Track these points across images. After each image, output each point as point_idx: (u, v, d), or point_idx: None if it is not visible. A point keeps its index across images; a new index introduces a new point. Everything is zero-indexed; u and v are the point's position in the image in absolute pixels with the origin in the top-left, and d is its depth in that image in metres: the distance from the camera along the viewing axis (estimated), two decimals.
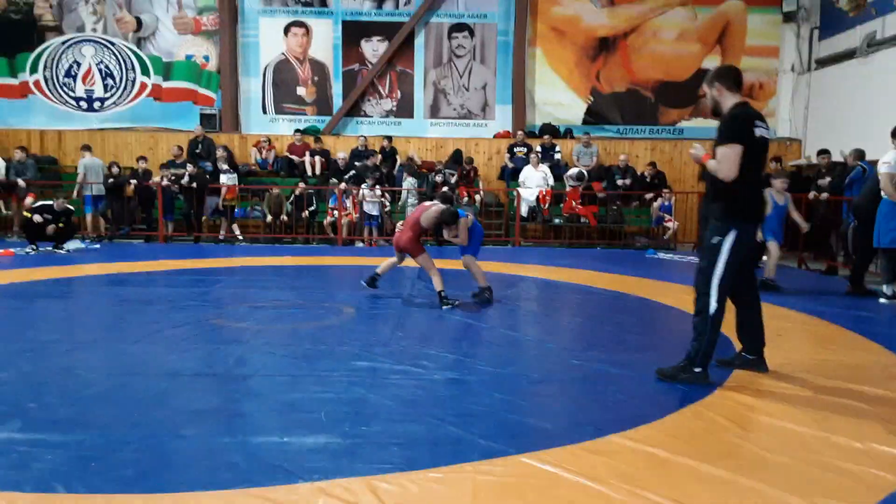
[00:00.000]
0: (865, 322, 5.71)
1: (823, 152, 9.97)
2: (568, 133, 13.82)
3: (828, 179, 9.74)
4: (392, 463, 2.72)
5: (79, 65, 13.94)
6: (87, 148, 12.25)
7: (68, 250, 9.84)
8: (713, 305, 3.79)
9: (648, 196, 12.34)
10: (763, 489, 2.55)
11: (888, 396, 3.66)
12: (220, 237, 12.03)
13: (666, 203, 12.08)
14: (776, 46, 13.65)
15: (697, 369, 3.86)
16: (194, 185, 11.61)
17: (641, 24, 13.72)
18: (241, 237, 12.03)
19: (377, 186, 11.96)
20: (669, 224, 12.06)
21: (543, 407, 3.53)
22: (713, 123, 14.11)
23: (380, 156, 12.89)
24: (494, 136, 13.88)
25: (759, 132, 3.71)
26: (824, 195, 9.05)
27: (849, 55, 11.64)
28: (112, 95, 14.02)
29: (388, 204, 12.16)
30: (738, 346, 4.30)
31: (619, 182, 12.55)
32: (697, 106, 13.84)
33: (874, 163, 8.92)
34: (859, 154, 8.79)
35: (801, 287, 7.90)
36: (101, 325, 5.30)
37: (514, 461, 2.76)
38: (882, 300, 6.67)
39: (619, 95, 13.93)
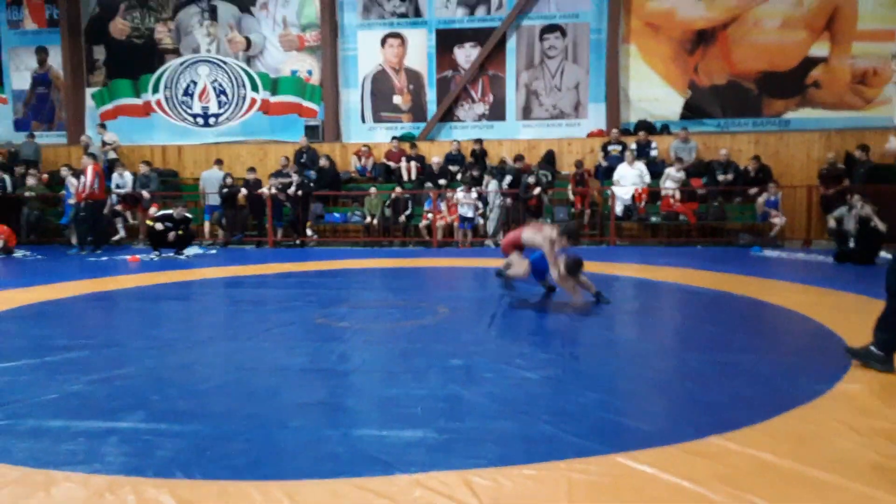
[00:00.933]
0: None
1: None
2: (665, 129, 13.42)
3: None
4: (486, 458, 2.75)
5: (195, 84, 14.94)
6: (218, 162, 13.16)
7: (188, 256, 10.56)
8: None
9: (753, 191, 11.77)
10: (879, 496, 2.40)
11: None
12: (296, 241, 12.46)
13: (772, 198, 11.49)
14: (891, 30, 12.65)
15: (881, 353, 3.86)
16: (300, 192, 12.15)
17: (742, 13, 13.12)
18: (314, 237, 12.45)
19: (472, 189, 12.08)
20: (776, 220, 11.46)
21: (640, 407, 3.47)
22: (823, 114, 13.45)
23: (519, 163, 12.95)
24: (588, 135, 13.68)
25: None
26: None
27: None
28: (225, 111, 14.92)
29: (481, 206, 12.24)
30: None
31: (720, 177, 12.06)
32: (805, 96, 13.07)
33: None
34: None
35: None
36: (217, 325, 5.67)
37: (609, 460, 2.72)
38: None
39: (718, 88, 13.37)
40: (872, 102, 12.89)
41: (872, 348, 3.92)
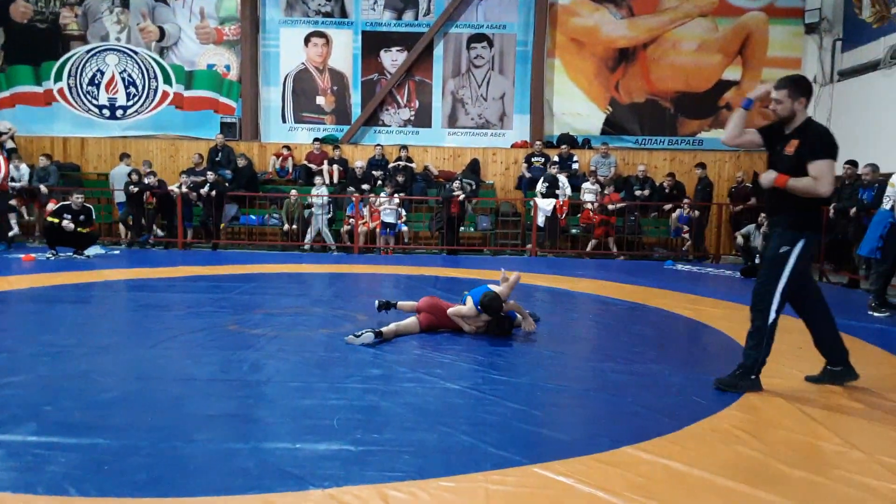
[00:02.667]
0: (886, 335, 5.62)
1: (850, 163, 9.84)
2: (586, 143, 13.78)
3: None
4: (403, 471, 2.70)
5: (102, 73, 14.16)
6: (124, 156, 12.51)
7: (89, 256, 9.95)
8: (772, 315, 3.82)
9: (667, 207, 12.24)
10: (780, 503, 2.50)
11: None
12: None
13: (684, 214, 11.98)
14: (798, 58, 13.53)
15: (754, 376, 3.88)
16: (213, 192, 11.71)
17: (661, 34, 13.67)
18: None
19: (395, 195, 12.00)
20: (687, 235, 11.96)
21: (558, 417, 3.49)
22: None
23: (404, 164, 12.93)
24: (512, 146, 13.87)
25: None
26: (853, 209, 8.94)
27: (872, 67, 11.50)
28: (134, 104, 14.22)
29: (404, 214, 12.18)
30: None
31: (637, 192, 12.48)
32: (717, 117, 13.74)
33: (888, 175, 8.85)
34: (875, 168, 8.76)
35: None
36: (118, 330, 5.35)
37: (527, 471, 2.74)
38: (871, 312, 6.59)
39: (637, 106, 13.86)
40: None
41: (829, 367, 4.06)
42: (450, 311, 5.24)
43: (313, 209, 12.07)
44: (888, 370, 4.51)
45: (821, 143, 3.71)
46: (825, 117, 13.03)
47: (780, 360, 4.65)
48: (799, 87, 3.81)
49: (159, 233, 12.09)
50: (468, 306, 5.21)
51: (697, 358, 4.83)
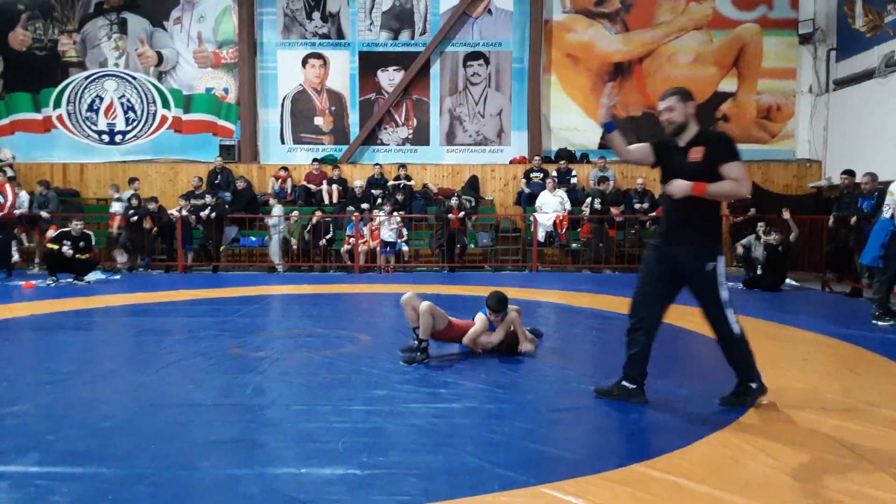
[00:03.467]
0: (892, 345, 5.57)
1: (848, 173, 9.86)
2: (584, 158, 13.82)
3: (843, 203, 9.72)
4: (410, 494, 2.67)
5: (101, 99, 14.24)
6: (133, 180, 12.62)
7: (89, 282, 9.94)
8: (736, 326, 3.79)
9: None
10: None
11: None
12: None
13: None
14: (793, 68, 13.61)
15: (754, 384, 3.84)
16: (213, 215, 11.72)
17: (656, 48, 13.77)
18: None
19: (394, 213, 12.01)
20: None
21: (564, 436, 3.46)
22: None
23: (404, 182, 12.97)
24: (510, 162, 13.91)
25: None
26: (854, 218, 8.95)
27: (867, 76, 11.57)
28: (133, 128, 14.28)
29: (404, 233, 12.18)
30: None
31: (637, 206, 12.48)
32: (715, 128, 13.78)
33: (887, 184, 8.87)
34: (874, 177, 8.78)
35: (826, 310, 7.76)
36: (120, 356, 5.32)
37: (534, 492, 2.70)
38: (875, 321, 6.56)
39: (635, 120, 13.91)
40: (776, 136, 13.74)
41: (624, 382, 3.95)
42: (465, 340, 5.20)
43: (270, 230, 12.09)
44: (894, 381, 4.47)
45: (728, 147, 3.69)
46: (822, 127, 13.11)
47: (786, 372, 4.63)
48: (685, 93, 3.84)
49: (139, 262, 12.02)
50: (479, 322, 5.18)
51: (703, 372, 4.80)
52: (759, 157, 13.55)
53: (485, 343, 5.21)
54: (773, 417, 3.65)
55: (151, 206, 11.84)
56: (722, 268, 3.77)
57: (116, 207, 12.21)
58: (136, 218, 11.65)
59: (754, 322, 6.65)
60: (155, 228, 11.83)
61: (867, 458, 3.03)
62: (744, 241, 10.45)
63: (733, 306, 3.81)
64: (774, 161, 13.52)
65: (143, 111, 14.26)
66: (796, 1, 13.52)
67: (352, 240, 11.98)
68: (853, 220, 8.94)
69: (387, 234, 11.90)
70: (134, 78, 14.23)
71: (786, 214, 9.87)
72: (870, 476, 2.86)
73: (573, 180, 13.17)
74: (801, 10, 13.45)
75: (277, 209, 12.38)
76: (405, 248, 12.20)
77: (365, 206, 12.73)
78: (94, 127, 14.27)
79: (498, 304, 5.14)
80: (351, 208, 12.63)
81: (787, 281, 9.70)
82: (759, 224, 10.20)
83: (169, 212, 11.95)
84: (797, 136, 13.67)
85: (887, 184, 8.83)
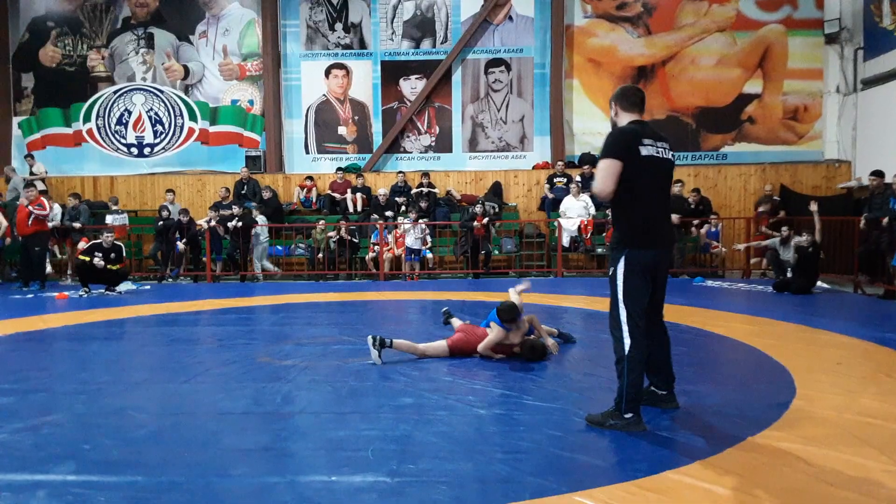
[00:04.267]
0: None
1: (877, 174, 9.68)
2: None
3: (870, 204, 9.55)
4: (441, 502, 2.67)
5: (130, 113, 14.52)
6: (169, 192, 12.85)
7: (120, 292, 10.11)
8: (627, 343, 3.53)
9: (695, 223, 12.10)
10: None
11: None
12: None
13: (713, 229, 11.84)
14: (820, 69, 13.41)
15: (627, 415, 3.50)
16: (240, 224, 11.87)
17: (679, 51, 13.66)
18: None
19: (418, 221, 12.04)
20: (716, 250, 11.81)
21: (594, 443, 3.42)
22: (758, 148, 14.17)
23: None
24: (534, 168, 13.88)
25: (646, 151, 3.49)
26: (885, 219, 8.78)
27: (895, 75, 11.35)
28: (161, 141, 14.53)
29: (429, 240, 12.21)
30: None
31: None
32: (741, 131, 13.64)
33: None
34: None
35: (859, 313, 7.61)
36: (152, 366, 5.39)
37: (567, 500, 2.68)
38: None
39: (658, 123, 13.79)
40: (804, 137, 13.54)
41: (653, 388, 3.89)
42: (480, 347, 5.23)
43: (256, 239, 12.15)
44: None
45: (604, 143, 3.60)
46: (850, 127, 12.89)
47: (820, 377, 4.55)
48: (614, 95, 3.79)
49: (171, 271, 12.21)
50: (494, 330, 5.20)
51: (734, 376, 4.73)
52: (787, 159, 13.37)
53: (503, 349, 5.23)
54: (808, 423, 3.58)
55: (183, 217, 12.03)
56: (620, 273, 3.52)
57: (110, 220, 12.35)
58: (172, 229, 11.84)
59: (785, 326, 6.55)
60: (184, 241, 12.01)
61: None
62: (767, 242, 10.31)
63: (633, 322, 3.52)
64: (802, 162, 13.31)
65: (170, 124, 14.50)
66: (822, 0, 13.34)
67: (376, 247, 12.03)
68: (885, 221, 8.77)
69: (411, 242, 11.94)
70: (161, 91, 14.49)
71: (813, 206, 9.72)
72: None
73: None
74: (827, 10, 13.25)
75: (261, 219, 12.44)
76: (430, 255, 12.22)
77: (389, 213, 12.79)
78: (123, 140, 14.54)
79: (508, 315, 5.14)
80: (375, 216, 12.69)
81: (819, 283, 9.54)
82: (784, 227, 10.05)
83: (197, 222, 12.12)
84: (825, 137, 13.45)
85: None
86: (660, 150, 3.58)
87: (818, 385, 4.32)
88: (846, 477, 2.86)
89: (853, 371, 4.77)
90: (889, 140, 11.58)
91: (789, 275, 9.48)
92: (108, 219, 12.46)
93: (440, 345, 5.37)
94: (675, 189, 12.00)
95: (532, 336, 5.39)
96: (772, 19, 13.49)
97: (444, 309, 6.43)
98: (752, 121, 13.56)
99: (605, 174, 3.49)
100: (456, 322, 5.98)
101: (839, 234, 10.28)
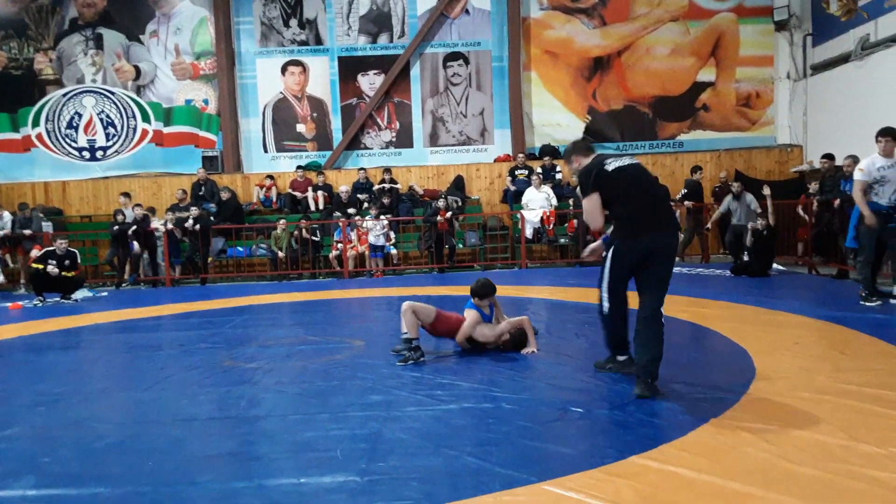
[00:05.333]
0: (881, 325, 5.63)
1: (827, 157, 9.96)
2: None
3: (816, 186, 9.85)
4: (412, 499, 2.66)
5: (80, 116, 14.12)
6: (125, 195, 12.51)
7: (76, 300, 9.85)
8: (605, 305, 4.26)
9: None
10: (794, 503, 2.49)
11: None
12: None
13: None
14: (771, 55, 13.73)
15: (621, 357, 4.39)
16: (198, 227, 11.66)
17: (634, 41, 13.84)
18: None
19: (381, 217, 11.99)
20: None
21: (562, 432, 3.46)
22: (713, 135, 14.47)
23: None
24: (495, 161, 13.94)
25: (612, 166, 4.09)
26: (837, 201, 9.03)
27: (843, 59, 11.69)
28: (114, 144, 14.17)
29: (392, 236, 12.16)
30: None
31: None
32: (696, 118, 13.89)
33: None
34: (856, 159, 8.85)
35: (814, 293, 7.83)
36: (111, 374, 5.27)
37: (536, 490, 2.70)
38: (894, 301, 6.61)
39: (616, 113, 13.98)
40: (757, 123, 13.86)
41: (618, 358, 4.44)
42: (458, 338, 5.19)
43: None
44: (885, 360, 4.52)
45: (579, 185, 4.43)
46: (801, 112, 13.24)
47: (778, 357, 4.66)
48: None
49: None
50: (469, 316, 5.18)
51: (697, 361, 4.82)
52: (741, 145, 13.67)
53: (486, 336, 5.19)
54: (769, 403, 3.67)
55: (138, 211, 11.75)
56: (610, 257, 4.21)
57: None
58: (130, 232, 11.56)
59: (743, 308, 6.70)
60: (139, 243, 11.74)
61: (861, 440, 3.06)
62: (722, 208, 10.64)
63: (612, 290, 4.22)
64: (756, 148, 13.64)
65: (123, 126, 14.15)
66: None
67: (340, 245, 11.95)
68: (836, 202, 9.03)
69: (375, 238, 11.89)
70: (112, 93, 14.12)
71: (766, 191, 9.97)
72: (865, 457, 2.88)
73: (558, 176, 13.21)
74: None
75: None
76: (394, 252, 12.18)
77: (351, 210, 12.70)
78: (74, 144, 14.14)
79: (482, 289, 5.14)
80: (337, 214, 12.60)
81: (775, 266, 9.78)
82: (734, 184, 10.47)
83: (153, 225, 11.85)
84: (777, 123, 13.79)
85: None
86: (623, 160, 4.17)
87: (777, 365, 4.44)
88: (806, 454, 2.94)
89: (809, 350, 4.91)
90: (838, 124, 11.93)
91: (746, 258, 9.70)
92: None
93: (428, 312, 5.11)
94: (695, 176, 12.24)
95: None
96: (723, 8, 13.76)
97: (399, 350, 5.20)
98: (707, 108, 13.83)
99: (591, 209, 4.16)
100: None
101: (793, 217, 10.55)
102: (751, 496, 2.57)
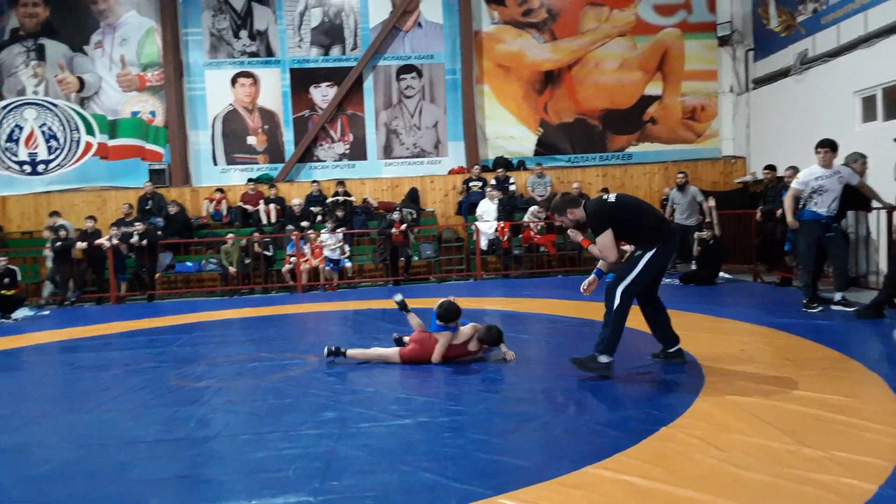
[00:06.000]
0: (821, 331, 5.82)
1: (769, 168, 10.29)
2: (521, 165, 14.02)
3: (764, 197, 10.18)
4: None
5: (21, 128, 13.63)
6: (54, 214, 12.04)
7: (16, 319, 9.47)
8: (617, 301, 4.55)
9: None
10: None
11: (852, 404, 3.71)
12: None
13: None
14: (714, 70, 14.16)
15: (603, 358, 4.54)
16: (144, 242, 11.35)
17: (584, 55, 14.10)
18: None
19: (336, 230, 11.89)
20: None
21: (518, 444, 3.47)
22: (660, 147, 14.73)
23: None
24: (449, 173, 13.98)
25: (611, 197, 4.70)
26: (779, 211, 9.30)
27: (784, 74, 12.12)
28: (57, 157, 13.72)
29: (347, 249, 12.06)
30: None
31: None
32: (644, 131, 14.21)
33: None
34: (796, 170, 9.16)
35: (759, 300, 8.05)
36: (53, 397, 5.07)
37: (492, 503, 2.70)
38: (834, 307, 6.84)
39: (567, 126, 14.21)
40: (702, 136, 14.26)
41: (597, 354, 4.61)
42: (434, 358, 5.20)
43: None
44: (828, 365, 4.67)
45: (591, 224, 4.69)
46: (744, 124, 13.66)
47: (726, 364, 4.77)
48: (557, 211, 4.82)
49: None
50: (441, 336, 5.20)
51: (647, 369, 4.90)
52: (687, 157, 14.03)
53: (456, 349, 5.24)
54: (717, 409, 3.75)
55: (88, 224, 11.38)
56: (647, 258, 4.55)
57: None
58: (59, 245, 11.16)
59: (691, 316, 6.85)
60: (83, 257, 11.35)
61: (806, 444, 3.15)
62: (666, 198, 11.01)
63: (631, 290, 4.56)
64: (702, 160, 14.01)
65: (66, 139, 13.72)
66: (714, 4, 14.10)
67: (293, 259, 11.79)
68: (779, 212, 9.31)
69: (329, 252, 11.76)
70: (55, 105, 13.69)
71: (710, 203, 10.24)
72: (810, 461, 2.97)
73: (512, 187, 13.33)
74: (719, 13, 14.02)
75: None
76: (348, 265, 12.08)
77: (305, 224, 12.56)
78: (14, 158, 13.63)
79: (446, 314, 5.16)
80: (290, 227, 12.44)
81: (721, 274, 10.04)
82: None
83: (97, 241, 11.46)
84: (721, 135, 14.21)
85: None
86: (608, 196, 4.76)
87: (725, 372, 4.54)
88: (753, 459, 3.01)
89: (755, 356, 5.04)
90: (779, 136, 12.35)
91: (693, 266, 9.93)
92: None
93: (392, 353, 5.34)
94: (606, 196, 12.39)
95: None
96: (668, 23, 14.14)
97: (399, 298, 5.69)
98: (654, 121, 14.17)
99: (607, 243, 4.54)
100: (413, 319, 5.66)
101: (738, 226, 10.85)
102: (701, 502, 2.62)
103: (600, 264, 4.79)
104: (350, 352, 5.45)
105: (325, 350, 5.48)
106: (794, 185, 6.97)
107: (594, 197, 4.89)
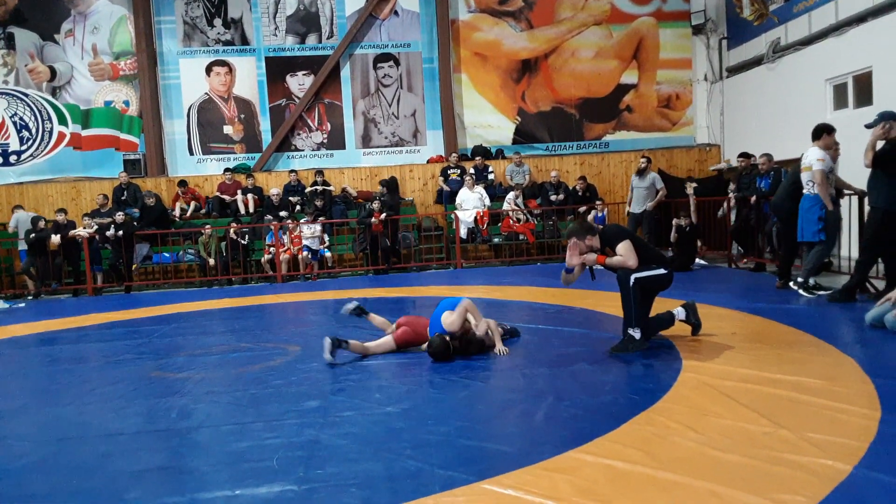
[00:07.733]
0: (795, 314, 5.94)
1: (743, 155, 10.42)
2: (499, 154, 14.04)
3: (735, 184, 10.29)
4: None
5: None
6: (17, 207, 11.81)
7: None
8: (631, 279, 4.88)
9: (582, 209, 12.59)
10: (720, 490, 2.59)
11: (825, 387, 3.79)
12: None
13: (599, 214, 12.35)
14: (689, 58, 14.28)
15: (636, 333, 4.85)
16: (120, 233, 11.20)
17: (560, 44, 14.14)
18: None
19: (315, 220, 11.83)
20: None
21: (500, 429, 3.50)
22: (636, 135, 14.84)
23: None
24: (428, 162, 13.97)
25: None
26: (753, 198, 9.43)
27: (757, 62, 12.27)
28: (28, 148, 13.47)
29: (326, 239, 12.01)
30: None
31: (553, 198, 12.79)
32: (620, 119, 14.30)
33: (783, 163, 9.43)
34: (770, 157, 9.28)
35: (734, 286, 8.17)
36: (30, 389, 5.00)
37: (476, 489, 2.73)
38: (801, 291, 6.94)
39: (545, 114, 14.25)
40: (677, 124, 14.39)
41: (630, 331, 4.88)
42: (453, 327, 5.10)
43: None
44: (803, 349, 4.76)
45: (613, 236, 4.98)
46: (718, 112, 13.81)
47: (703, 349, 4.85)
48: (578, 235, 5.01)
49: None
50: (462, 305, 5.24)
51: (626, 355, 4.95)
52: (663, 145, 14.16)
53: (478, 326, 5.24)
54: (695, 393, 3.82)
55: (59, 217, 11.19)
56: (656, 267, 4.96)
57: None
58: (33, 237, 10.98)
59: (667, 302, 6.92)
60: (58, 249, 11.16)
61: (782, 426, 3.22)
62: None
63: (642, 283, 4.85)
64: (677, 147, 14.16)
65: (38, 129, 13.46)
66: None
67: (272, 249, 11.72)
68: (753, 199, 9.45)
69: (308, 242, 11.71)
70: (26, 95, 13.42)
71: (689, 189, 10.36)
72: (786, 442, 3.03)
73: (490, 176, 13.35)
74: (693, 2, 14.13)
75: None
76: (328, 255, 12.04)
77: (283, 213, 12.48)
78: None
79: (439, 356, 4.94)
80: (269, 217, 12.36)
81: (697, 260, 10.17)
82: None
83: (72, 232, 11.30)
84: (696, 123, 14.35)
85: (783, 163, 9.38)
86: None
87: (702, 356, 4.61)
88: (731, 441, 3.07)
89: (732, 341, 5.12)
90: (753, 123, 12.51)
91: (670, 253, 10.04)
92: None
93: (386, 340, 5.30)
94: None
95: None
96: (643, 12, 14.21)
97: (355, 305, 5.81)
98: (630, 110, 14.27)
99: (629, 251, 4.85)
100: (375, 319, 5.71)
101: (713, 213, 10.99)
102: (680, 484, 2.67)
103: (571, 261, 5.04)
104: (352, 343, 5.17)
105: (328, 342, 5.02)
106: (822, 166, 6.70)
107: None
